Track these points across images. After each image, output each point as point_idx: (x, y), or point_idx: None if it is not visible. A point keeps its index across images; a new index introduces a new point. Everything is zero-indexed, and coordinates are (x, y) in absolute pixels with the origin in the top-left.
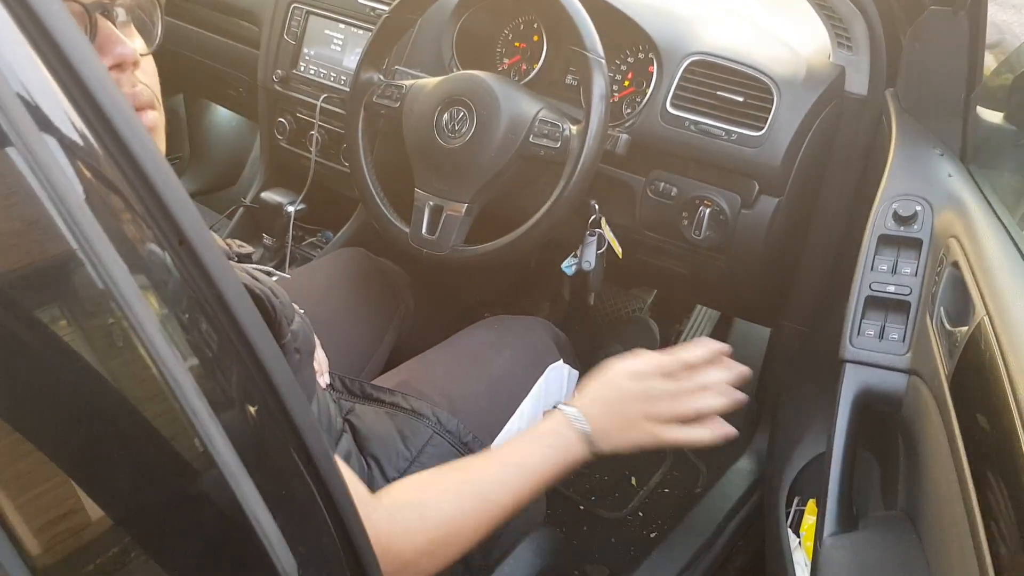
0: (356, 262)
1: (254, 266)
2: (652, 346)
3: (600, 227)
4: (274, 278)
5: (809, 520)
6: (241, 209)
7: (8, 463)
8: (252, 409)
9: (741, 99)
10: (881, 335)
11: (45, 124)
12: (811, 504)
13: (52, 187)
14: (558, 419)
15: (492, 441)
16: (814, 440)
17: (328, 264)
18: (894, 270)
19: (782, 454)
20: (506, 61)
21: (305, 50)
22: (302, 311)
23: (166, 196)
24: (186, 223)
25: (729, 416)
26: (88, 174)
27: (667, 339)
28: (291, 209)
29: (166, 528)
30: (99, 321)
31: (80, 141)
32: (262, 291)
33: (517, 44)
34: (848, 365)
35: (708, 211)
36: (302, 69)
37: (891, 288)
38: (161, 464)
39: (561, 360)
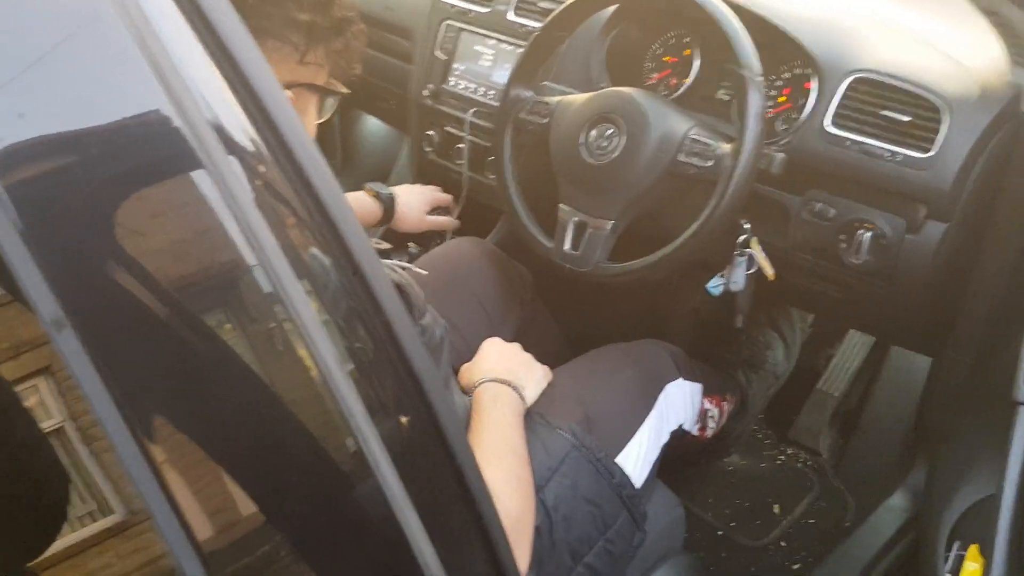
0: (479, 254)
1: (392, 262)
2: (793, 328)
3: (750, 247)
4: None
5: (971, 566)
6: None
7: (181, 459)
8: (421, 446)
9: (907, 119)
10: None
11: (232, 148)
12: (973, 549)
13: (238, 207)
14: (485, 390)
15: (618, 454)
16: (980, 481)
17: (451, 254)
18: None
19: (943, 494)
20: (654, 76)
21: (455, 65)
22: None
23: (343, 228)
24: (359, 252)
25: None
26: (268, 195)
27: (817, 364)
28: None
29: (327, 534)
30: (275, 325)
31: (262, 165)
32: (399, 280)
33: (667, 59)
34: (1023, 408)
35: (869, 235)
36: (451, 84)
37: None
38: (323, 474)
39: (681, 378)
